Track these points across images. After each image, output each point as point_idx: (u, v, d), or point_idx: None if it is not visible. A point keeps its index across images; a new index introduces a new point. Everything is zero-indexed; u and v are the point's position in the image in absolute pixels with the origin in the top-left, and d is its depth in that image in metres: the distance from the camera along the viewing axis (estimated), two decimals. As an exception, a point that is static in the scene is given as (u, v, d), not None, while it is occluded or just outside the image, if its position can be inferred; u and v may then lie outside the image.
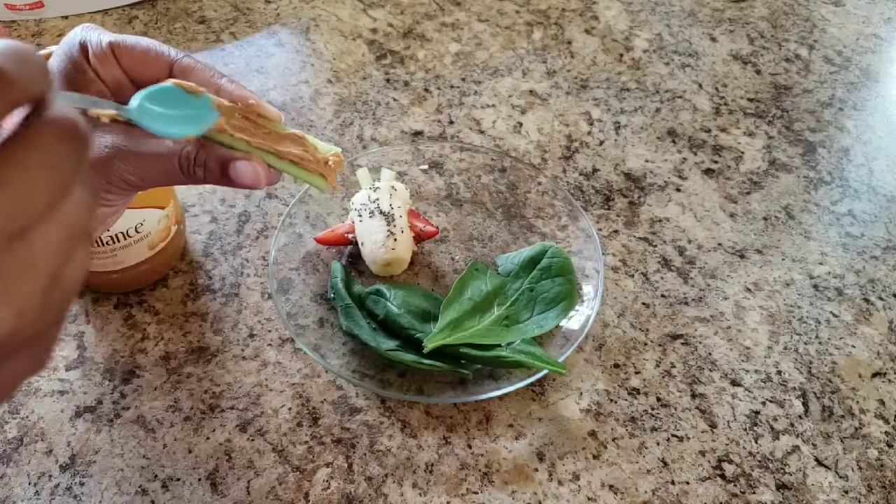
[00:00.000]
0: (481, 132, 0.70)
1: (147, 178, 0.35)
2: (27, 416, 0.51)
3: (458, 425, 0.51)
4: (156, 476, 0.48)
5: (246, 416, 0.51)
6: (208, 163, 0.36)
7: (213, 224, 0.62)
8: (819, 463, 0.51)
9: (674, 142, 0.71)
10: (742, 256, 0.62)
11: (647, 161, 0.69)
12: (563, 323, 0.54)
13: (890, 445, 0.52)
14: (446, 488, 0.48)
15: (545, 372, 0.51)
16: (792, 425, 0.53)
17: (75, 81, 0.35)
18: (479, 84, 0.75)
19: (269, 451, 0.49)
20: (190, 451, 0.49)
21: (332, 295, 0.56)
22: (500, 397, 0.52)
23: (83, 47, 0.35)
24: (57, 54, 0.36)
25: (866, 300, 0.60)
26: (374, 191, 0.58)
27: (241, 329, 0.56)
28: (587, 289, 0.56)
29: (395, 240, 0.56)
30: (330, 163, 0.39)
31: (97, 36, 0.36)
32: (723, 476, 0.50)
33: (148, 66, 0.36)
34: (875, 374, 0.56)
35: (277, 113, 0.38)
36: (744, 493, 0.49)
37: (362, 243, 0.57)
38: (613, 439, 0.51)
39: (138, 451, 0.50)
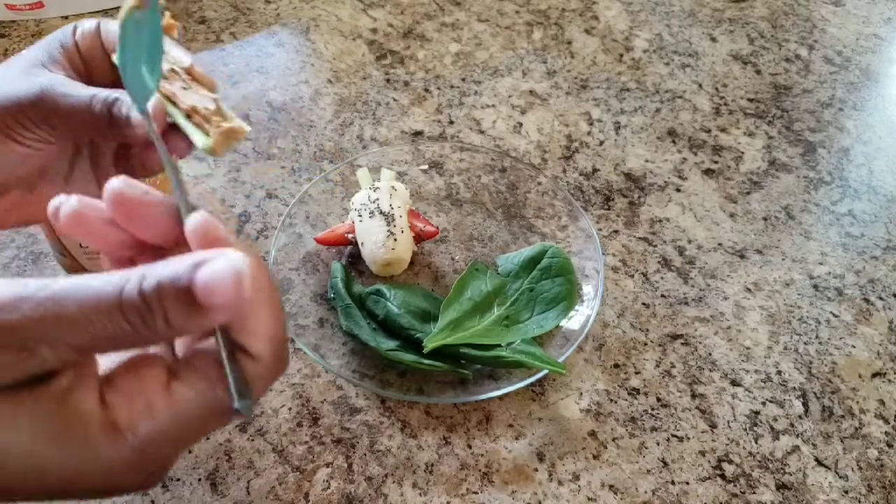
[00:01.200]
0: (481, 132, 0.70)
1: (54, 117, 0.36)
2: (27, 416, 0.51)
3: (458, 425, 0.51)
4: (156, 476, 0.48)
5: (246, 416, 0.51)
6: (115, 106, 0.36)
7: (213, 224, 0.62)
8: (819, 463, 0.51)
9: (674, 142, 0.71)
10: (742, 256, 0.62)
11: (647, 161, 0.69)
12: (563, 323, 0.54)
13: (890, 445, 0.52)
14: (446, 488, 0.48)
15: (545, 372, 0.51)
16: (792, 425, 0.53)
17: (46, 54, 0.37)
18: (479, 84, 0.75)
19: (269, 451, 0.49)
20: (190, 451, 0.49)
21: (332, 295, 0.56)
22: (500, 397, 0.52)
23: (74, 27, 0.38)
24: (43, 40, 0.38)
25: (866, 300, 0.60)
26: (374, 191, 0.58)
27: (241, 329, 0.56)
28: (587, 289, 0.56)
29: (395, 240, 0.56)
30: (220, 125, 0.36)
31: (88, 21, 0.39)
32: (723, 476, 0.50)
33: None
34: (875, 374, 0.56)
35: (212, 80, 0.38)
36: (744, 493, 0.49)
37: (362, 243, 0.57)
38: (613, 439, 0.51)
39: (138, 451, 0.50)
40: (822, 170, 0.69)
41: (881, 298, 0.60)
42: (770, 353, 0.56)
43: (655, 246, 0.63)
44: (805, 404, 0.54)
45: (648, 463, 0.50)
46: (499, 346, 0.52)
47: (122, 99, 0.36)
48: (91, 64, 0.39)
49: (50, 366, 0.24)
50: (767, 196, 0.67)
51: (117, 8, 0.80)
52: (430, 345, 0.51)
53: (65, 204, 0.28)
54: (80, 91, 0.36)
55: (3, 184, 0.36)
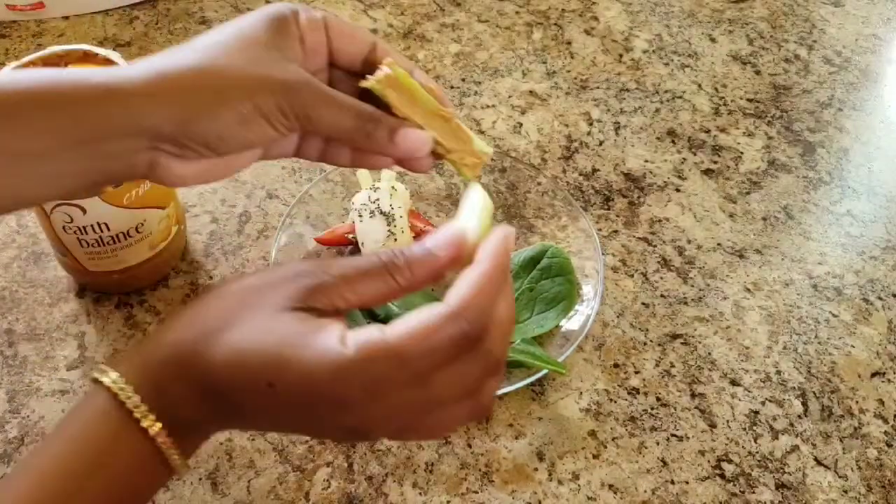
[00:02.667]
0: (481, 132, 0.71)
1: (315, 120, 0.37)
2: (28, 416, 0.51)
3: (458, 425, 0.51)
4: (156, 475, 0.48)
5: (246, 415, 0.51)
6: (380, 126, 0.38)
7: (213, 224, 0.62)
8: (818, 462, 0.51)
9: (673, 142, 0.71)
10: (741, 256, 0.62)
11: (646, 161, 0.69)
12: (563, 323, 0.54)
13: (889, 445, 0.52)
14: (446, 488, 0.49)
15: (545, 372, 0.51)
16: (791, 425, 0.53)
17: (276, 37, 0.37)
18: (479, 84, 0.75)
19: (270, 451, 0.50)
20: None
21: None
22: (500, 397, 0.52)
23: (295, 13, 0.38)
24: (250, 18, 0.37)
25: (865, 300, 0.60)
26: (375, 191, 0.58)
27: (242, 329, 0.56)
28: (587, 289, 0.56)
29: (395, 240, 0.56)
30: (475, 158, 0.41)
31: (309, 9, 0.39)
32: (722, 476, 0.50)
33: (354, 43, 0.39)
34: (874, 374, 0.56)
35: (450, 108, 0.41)
36: (743, 492, 0.49)
37: (362, 243, 0.57)
38: (613, 439, 0.51)
39: (139, 450, 0.50)
40: (821, 170, 0.69)
41: (880, 298, 0.60)
42: (769, 353, 0.56)
43: (655, 246, 0.63)
44: (804, 404, 0.54)
45: (648, 462, 0.50)
46: (499, 345, 0.52)
47: (384, 120, 0.38)
48: (310, 55, 0.39)
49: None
50: (767, 196, 0.67)
51: (118, 8, 0.80)
52: (430, 344, 0.51)
53: None
54: (342, 98, 0.37)
55: (224, 151, 0.36)
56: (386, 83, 0.38)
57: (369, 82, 0.38)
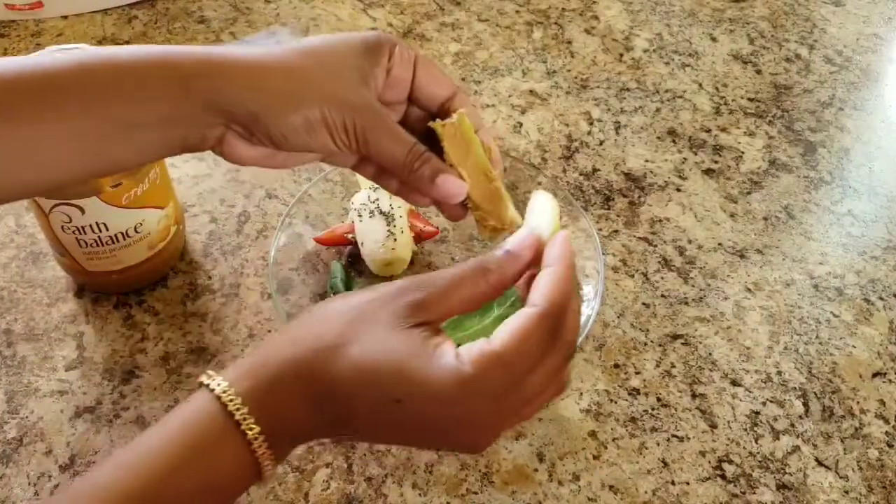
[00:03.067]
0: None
1: (373, 145, 0.39)
2: (27, 417, 0.51)
3: (458, 425, 0.51)
4: (155, 476, 0.48)
5: (246, 416, 0.51)
6: (425, 165, 0.40)
7: (212, 224, 0.62)
8: (819, 463, 0.51)
9: (674, 142, 0.71)
10: (742, 256, 0.62)
11: (647, 161, 0.69)
12: (563, 323, 0.54)
13: (890, 445, 0.52)
14: (446, 488, 0.48)
15: (545, 372, 0.51)
16: (792, 425, 0.53)
17: (365, 62, 0.40)
18: (479, 84, 0.75)
19: (269, 452, 0.49)
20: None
21: (332, 295, 0.55)
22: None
23: (392, 46, 0.41)
24: (352, 37, 0.41)
25: (867, 300, 0.60)
26: (374, 191, 0.58)
27: (241, 329, 0.56)
28: (587, 289, 0.56)
29: (395, 240, 0.56)
30: (500, 224, 0.44)
31: (406, 46, 0.42)
32: (723, 476, 0.50)
33: (436, 85, 0.43)
34: (875, 374, 0.56)
35: (500, 166, 0.44)
36: (744, 493, 0.49)
37: (362, 243, 0.57)
38: (613, 439, 0.51)
39: (138, 451, 0.50)
40: (822, 170, 0.69)
41: (881, 298, 0.60)
42: (770, 353, 0.56)
43: (655, 246, 0.63)
44: (805, 404, 0.54)
45: (648, 463, 0.50)
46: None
47: (432, 161, 0.40)
48: (393, 86, 0.42)
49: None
50: (768, 196, 0.67)
51: (117, 8, 0.80)
52: (430, 345, 0.51)
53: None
54: (400, 132, 0.40)
55: (286, 148, 0.39)
56: (450, 129, 0.41)
57: (435, 123, 0.41)
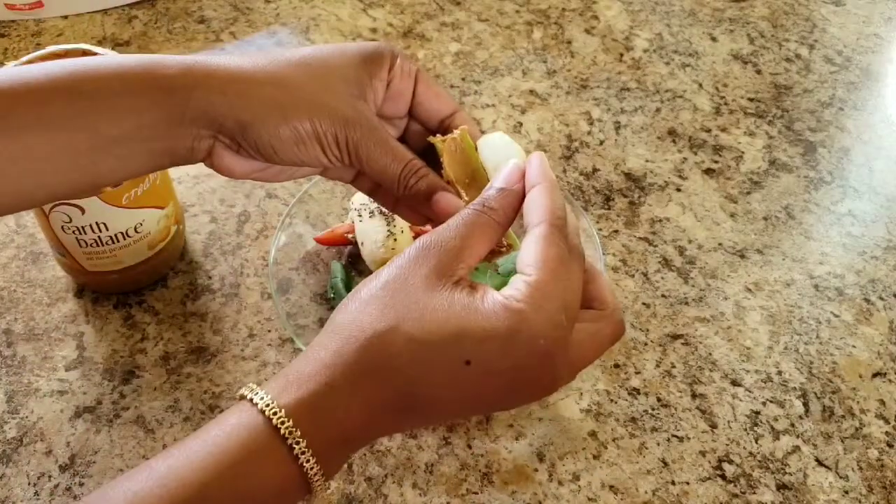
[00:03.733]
0: (481, 132, 0.70)
1: (365, 160, 0.38)
2: (26, 417, 0.51)
3: (458, 425, 0.51)
4: (155, 476, 0.48)
5: (246, 416, 0.51)
6: (421, 181, 0.39)
7: (212, 224, 0.62)
8: (819, 463, 0.51)
9: (674, 141, 0.71)
10: (742, 256, 0.62)
11: (647, 161, 0.69)
12: (564, 323, 0.54)
13: (890, 445, 0.52)
14: (446, 488, 0.48)
15: (545, 372, 0.51)
16: (792, 425, 0.53)
17: (362, 73, 0.39)
18: (479, 84, 0.75)
19: (269, 452, 0.49)
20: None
21: (332, 295, 0.55)
22: (500, 397, 0.52)
23: (393, 57, 0.40)
24: (349, 47, 0.40)
25: (867, 300, 0.60)
26: (374, 191, 0.58)
27: (241, 329, 0.56)
28: (587, 289, 0.56)
29: (395, 240, 0.56)
30: (501, 251, 0.42)
31: (408, 59, 0.41)
32: (723, 476, 0.50)
33: (437, 101, 0.42)
34: (875, 375, 0.56)
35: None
36: (744, 493, 0.49)
37: (362, 243, 0.57)
38: (613, 439, 0.51)
39: (138, 451, 0.50)
40: (822, 169, 0.69)
41: (882, 298, 0.60)
42: (770, 353, 0.56)
43: (656, 246, 0.63)
44: (805, 404, 0.54)
45: (649, 463, 0.50)
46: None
47: (428, 177, 0.39)
48: (393, 99, 0.41)
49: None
50: (768, 196, 0.67)
51: (116, 8, 0.80)
52: (430, 345, 0.51)
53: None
54: (395, 147, 0.39)
55: (276, 161, 0.38)
56: (450, 145, 0.40)
57: (435, 139, 0.40)
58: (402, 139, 0.43)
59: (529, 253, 0.34)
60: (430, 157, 0.40)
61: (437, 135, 0.41)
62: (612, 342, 0.37)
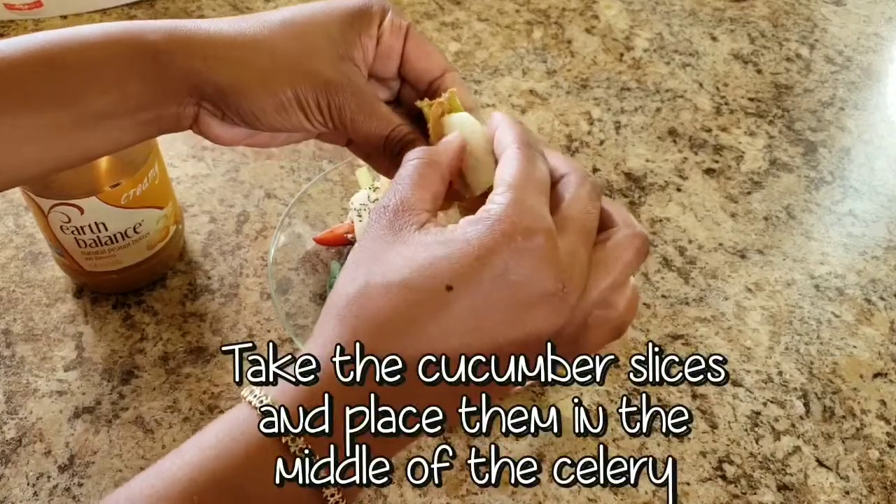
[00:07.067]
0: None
1: (350, 125, 0.37)
2: (25, 417, 0.51)
3: (457, 426, 0.51)
4: (154, 477, 0.48)
5: (245, 416, 0.51)
6: (407, 146, 0.37)
7: (211, 224, 0.62)
8: (820, 464, 0.51)
9: (674, 141, 0.71)
10: (743, 256, 0.62)
11: (647, 161, 0.69)
12: (564, 323, 0.54)
13: (891, 446, 0.52)
14: (446, 489, 0.48)
15: (545, 372, 0.51)
16: (793, 426, 0.53)
17: (348, 30, 0.37)
18: (479, 83, 0.75)
19: (268, 452, 0.49)
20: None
21: (332, 295, 0.55)
22: (501, 397, 0.52)
23: (383, 11, 0.38)
24: (334, 4, 0.38)
25: (867, 300, 0.60)
26: (374, 191, 0.58)
27: (241, 329, 0.56)
28: (587, 289, 0.56)
29: (395, 240, 0.56)
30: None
31: (399, 13, 0.38)
32: (723, 477, 0.50)
33: (427, 61, 0.39)
34: (876, 375, 0.56)
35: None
36: (745, 493, 0.49)
37: (362, 243, 0.57)
38: (614, 440, 0.51)
39: (137, 451, 0.49)
40: (823, 169, 0.69)
41: (882, 298, 0.60)
42: (771, 354, 0.56)
43: (656, 246, 0.62)
44: (806, 405, 0.54)
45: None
46: (499, 346, 0.52)
47: (415, 143, 0.37)
48: (383, 59, 0.39)
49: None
50: (768, 196, 0.67)
51: (117, 8, 0.80)
52: (429, 345, 0.50)
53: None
54: (382, 111, 0.37)
55: (259, 128, 0.37)
56: (438, 110, 0.38)
57: (423, 103, 0.38)
58: (397, 102, 0.42)
59: (497, 174, 0.32)
60: (423, 121, 0.38)
61: (426, 98, 0.39)
62: (637, 252, 0.33)
